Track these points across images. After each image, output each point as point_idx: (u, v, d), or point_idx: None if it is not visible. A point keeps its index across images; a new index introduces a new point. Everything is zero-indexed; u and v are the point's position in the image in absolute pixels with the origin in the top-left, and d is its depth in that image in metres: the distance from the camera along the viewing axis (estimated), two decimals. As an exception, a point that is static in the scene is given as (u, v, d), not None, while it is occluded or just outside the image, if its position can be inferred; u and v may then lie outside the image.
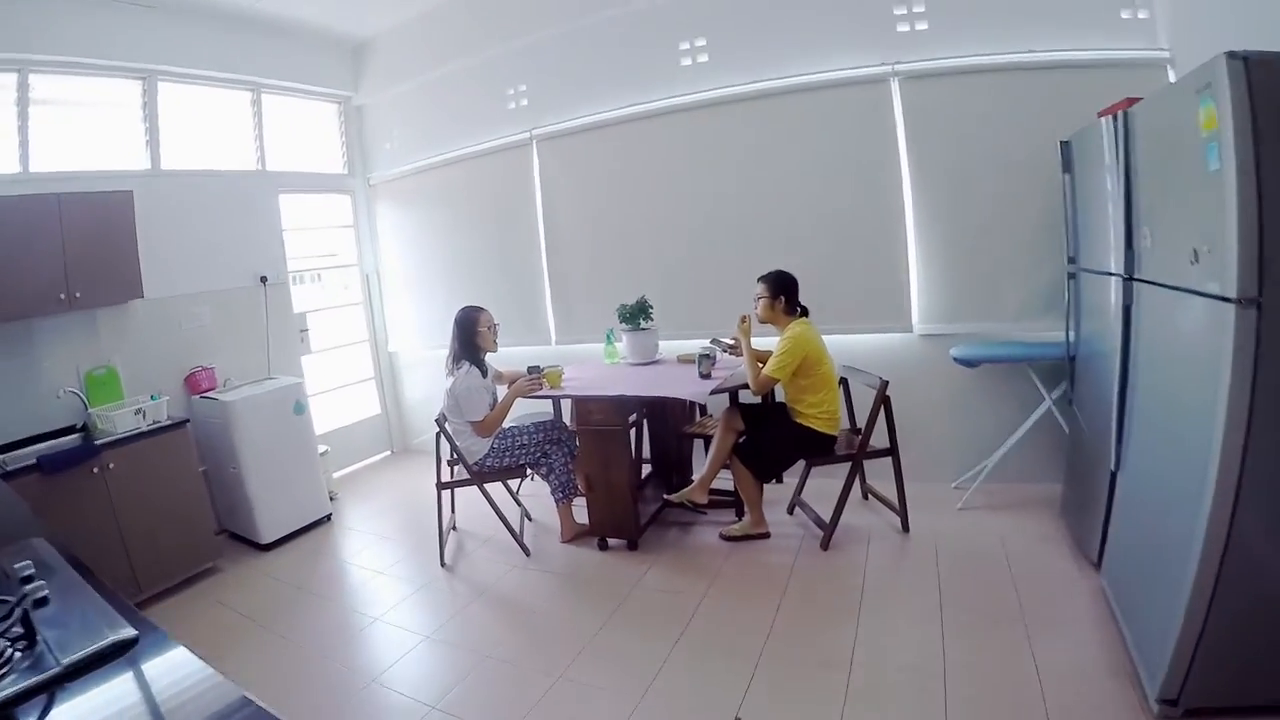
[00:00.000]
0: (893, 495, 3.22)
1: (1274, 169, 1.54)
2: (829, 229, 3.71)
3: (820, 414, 3.03)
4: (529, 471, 3.47)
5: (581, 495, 3.35)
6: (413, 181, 5.08)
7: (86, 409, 3.48)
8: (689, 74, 3.94)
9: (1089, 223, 2.68)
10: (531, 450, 3.34)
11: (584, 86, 4.25)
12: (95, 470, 3.16)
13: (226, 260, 4.31)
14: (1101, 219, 2.43)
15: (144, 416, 3.49)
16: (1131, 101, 2.31)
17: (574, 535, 3.41)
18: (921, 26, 3.40)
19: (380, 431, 5.44)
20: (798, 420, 3.08)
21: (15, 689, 0.93)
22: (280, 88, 4.71)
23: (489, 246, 4.82)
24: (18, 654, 1.01)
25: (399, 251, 5.31)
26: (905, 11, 3.41)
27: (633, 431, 3.36)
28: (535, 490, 3.88)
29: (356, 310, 5.38)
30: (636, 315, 3.69)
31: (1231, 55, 1.54)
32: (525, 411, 4.16)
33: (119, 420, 3.38)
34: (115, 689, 1.02)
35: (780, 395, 3.21)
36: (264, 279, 4.45)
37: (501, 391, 3.40)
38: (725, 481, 3.32)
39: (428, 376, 5.03)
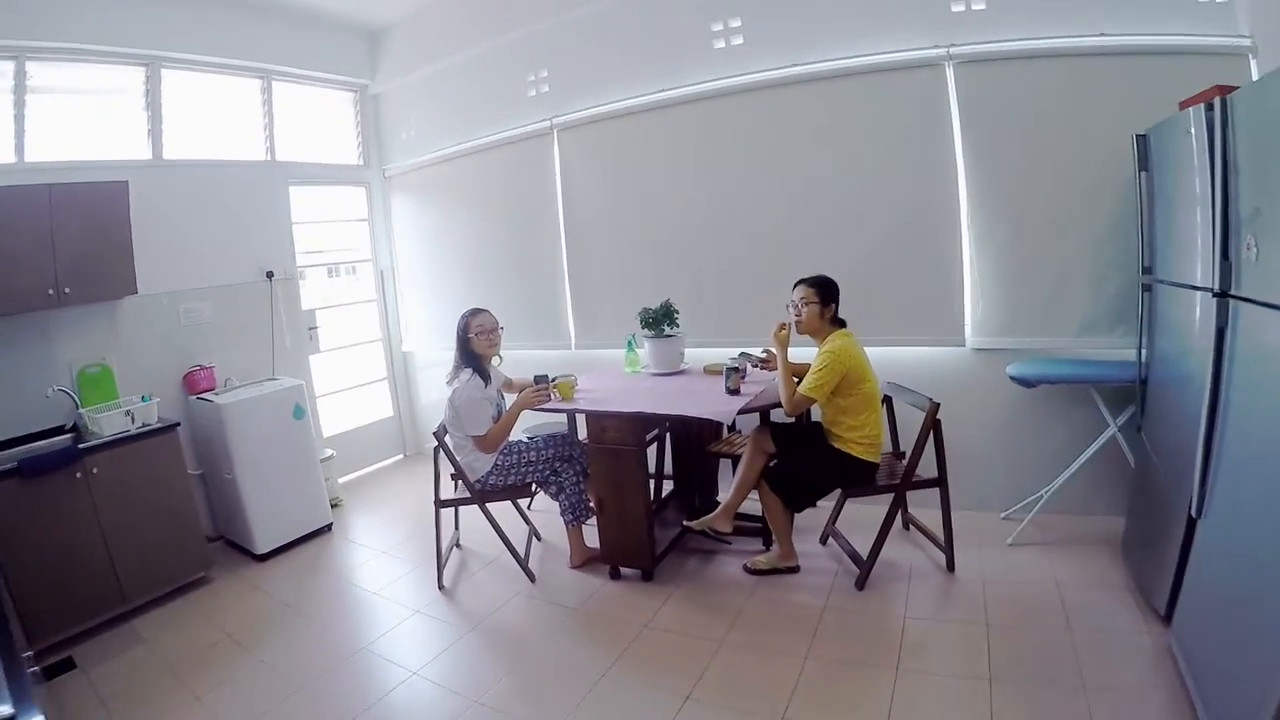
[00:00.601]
0: (936, 526, 2.89)
1: None
2: (874, 229, 3.36)
3: (861, 438, 2.70)
4: (537, 489, 3.19)
5: (594, 517, 3.05)
6: (429, 173, 4.84)
7: (78, 408, 3.31)
8: (721, 58, 3.61)
9: (1170, 228, 2.35)
10: (540, 468, 3.05)
11: (608, 71, 3.95)
12: (79, 475, 2.99)
13: (231, 254, 4.12)
14: (1187, 224, 2.12)
15: (133, 419, 3.31)
16: (1223, 90, 1.95)
17: (584, 560, 3.13)
18: (979, 5, 3.04)
19: (392, 434, 5.23)
20: (835, 445, 2.74)
21: None
22: (293, 75, 4.51)
23: (507, 242, 4.56)
24: None
25: (414, 247, 5.08)
26: (961, -14, 3.05)
27: (653, 448, 3.07)
28: (548, 505, 3.59)
29: (369, 308, 5.17)
30: (660, 321, 3.38)
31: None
32: (536, 422, 3.90)
33: (106, 422, 3.20)
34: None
35: (817, 414, 2.88)
36: (270, 274, 4.25)
37: (510, 401, 3.12)
38: (753, 504, 2.99)
39: (443, 378, 4.74)
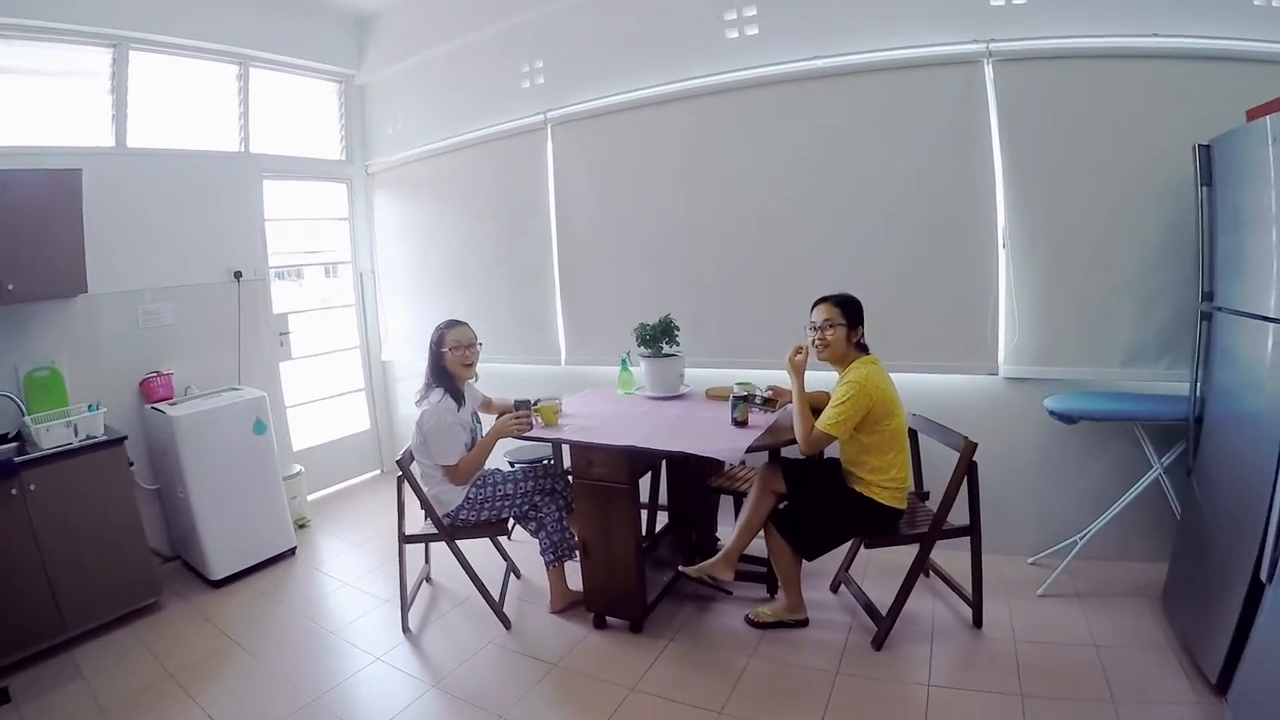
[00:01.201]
0: (961, 575, 2.58)
1: None
2: (900, 242, 3.03)
3: (886, 481, 2.36)
4: (514, 524, 2.86)
5: (577, 555, 2.71)
6: (414, 169, 4.51)
7: (23, 415, 3.00)
8: (734, 48, 3.27)
9: (1238, 250, 2.11)
10: (518, 501, 2.71)
11: (609, 62, 3.62)
12: (14, 491, 2.70)
13: (196, 252, 3.80)
14: (1259, 246, 1.93)
15: (75, 430, 2.99)
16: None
17: (566, 605, 2.79)
18: (1021, -1, 2.73)
19: (369, 449, 4.89)
20: (855, 487, 2.41)
21: None
22: (273, 62, 4.19)
23: (495, 246, 4.23)
24: None
25: (397, 249, 4.75)
26: (1003, -24, 2.74)
27: (647, 476, 2.75)
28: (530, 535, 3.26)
29: (347, 313, 4.84)
30: (659, 338, 3.03)
31: None
32: (521, 445, 3.58)
33: (44, 435, 2.88)
34: None
35: (833, 449, 2.53)
36: (238, 274, 3.93)
37: (489, 424, 2.78)
38: (758, 544, 2.64)
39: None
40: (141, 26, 3.55)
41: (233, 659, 2.70)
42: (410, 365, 4.76)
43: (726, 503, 3.08)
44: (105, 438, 3.04)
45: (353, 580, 3.33)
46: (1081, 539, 2.70)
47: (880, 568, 2.76)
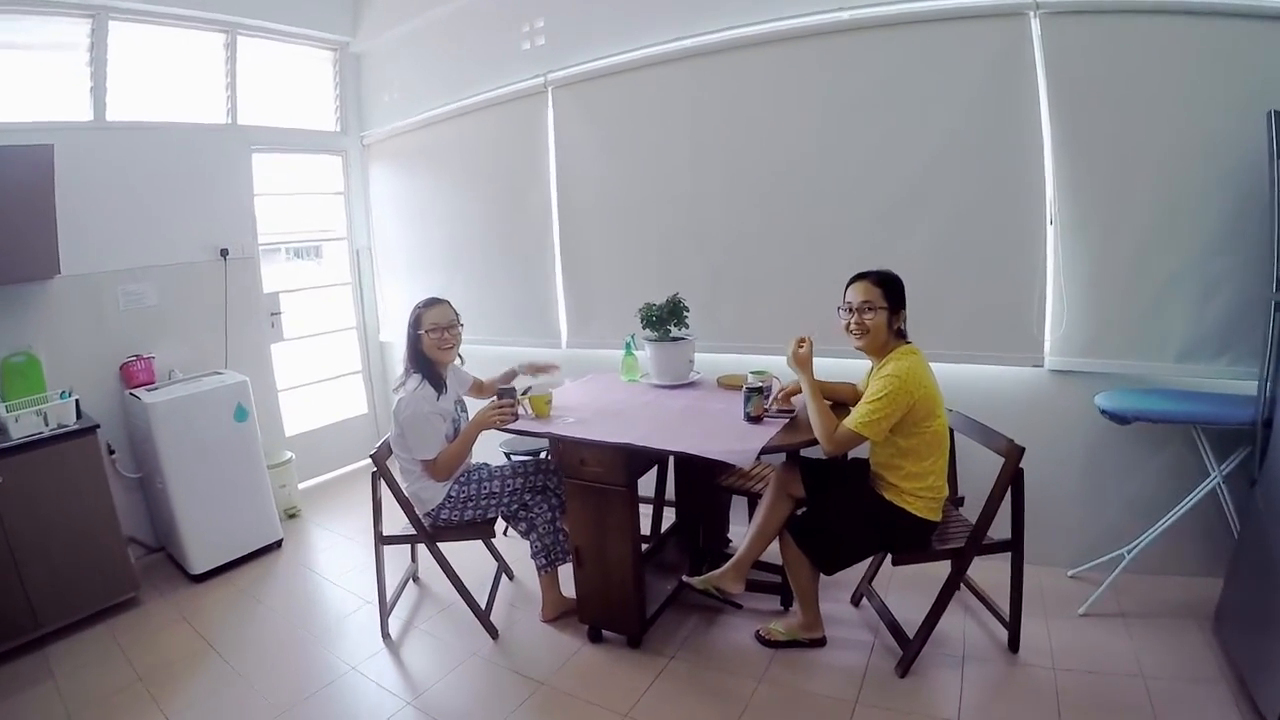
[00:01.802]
0: (995, 587, 2.30)
1: None
2: (936, 218, 2.71)
3: (922, 490, 2.06)
4: (508, 527, 2.63)
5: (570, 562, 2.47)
6: (410, 140, 4.26)
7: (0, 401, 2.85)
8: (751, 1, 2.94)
9: None
10: (506, 500, 2.47)
11: (613, 18, 3.31)
12: (-17, 483, 2.54)
13: (180, 229, 3.61)
14: None
15: (46, 419, 2.82)
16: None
17: (558, 614, 2.56)
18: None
19: (366, 434, 4.67)
20: (885, 495, 2.10)
21: None
22: (263, 30, 3.94)
23: (494, 221, 3.96)
24: None
25: (394, 225, 4.50)
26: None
27: (652, 470, 2.50)
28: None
29: (343, 292, 4.62)
30: (666, 320, 2.74)
31: None
32: (510, 437, 3.33)
33: (14, 425, 2.71)
34: None
35: (861, 448, 2.22)
36: (224, 252, 3.72)
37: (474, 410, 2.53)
38: (772, 551, 2.37)
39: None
40: (121, -8, 3.33)
41: (205, 663, 2.53)
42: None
43: (740, 501, 2.81)
44: (77, 426, 2.87)
45: (337, 577, 3.15)
46: (1129, 553, 2.43)
47: (906, 579, 2.50)
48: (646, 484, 2.77)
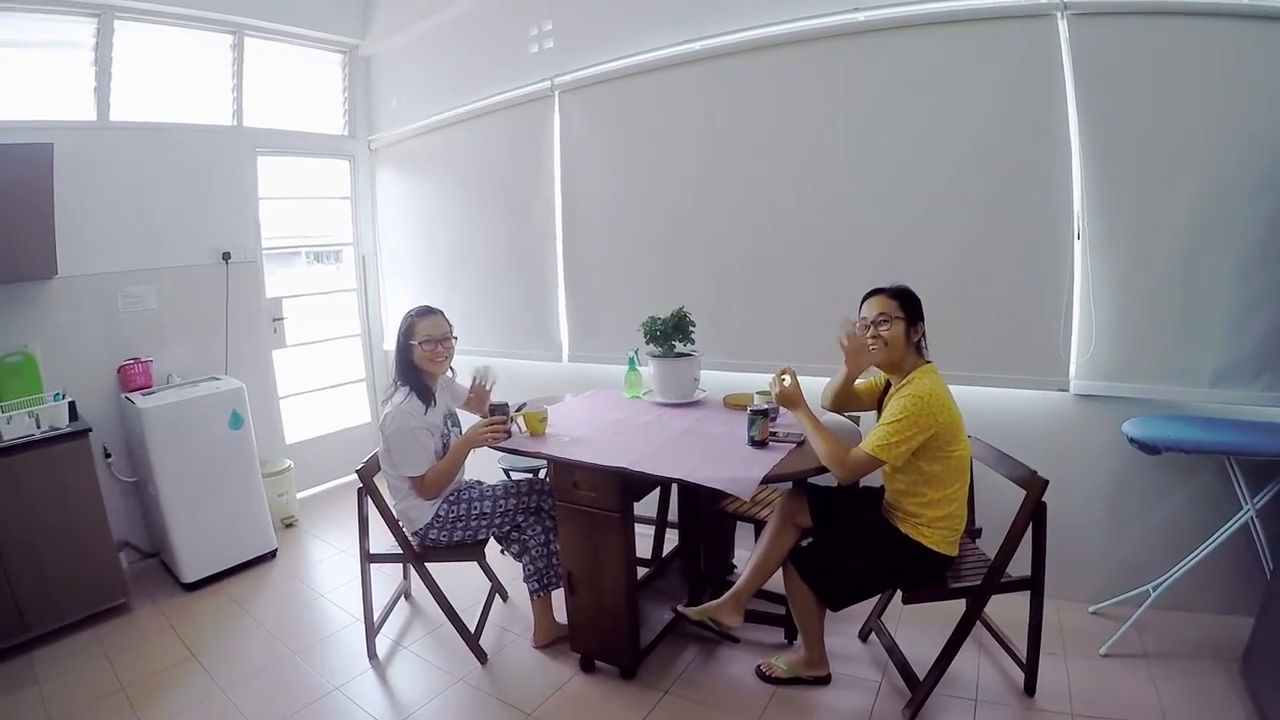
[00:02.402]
0: (1011, 624, 2.17)
1: None
2: (957, 231, 2.58)
3: (942, 521, 1.92)
4: (502, 548, 2.53)
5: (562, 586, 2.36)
6: (417, 144, 4.19)
7: (-4, 401, 2.81)
8: (762, 1, 2.82)
9: None
10: (497, 521, 2.36)
11: (622, 20, 3.22)
12: (-28, 485, 2.51)
13: (182, 231, 3.57)
14: None
15: (38, 421, 2.79)
16: None
17: (551, 640, 2.46)
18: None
19: (369, 443, 4.48)
20: (899, 526, 1.97)
21: None
22: (271, 32, 3.90)
23: (497, 229, 3.88)
24: None
25: (400, 231, 4.44)
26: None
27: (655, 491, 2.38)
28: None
29: (348, 298, 4.56)
30: (671, 335, 2.63)
31: None
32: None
33: (5, 426, 2.68)
34: None
35: (872, 476, 2.08)
36: (226, 255, 3.67)
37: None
38: (775, 580, 2.24)
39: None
40: (126, -7, 3.30)
41: (188, 675, 2.47)
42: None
43: (746, 525, 2.69)
44: (70, 429, 2.83)
45: (329, 591, 3.06)
46: (1155, 589, 2.28)
47: (919, 613, 2.34)
48: (650, 504, 2.67)
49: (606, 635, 2.24)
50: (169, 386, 3.31)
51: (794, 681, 2.19)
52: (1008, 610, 2.16)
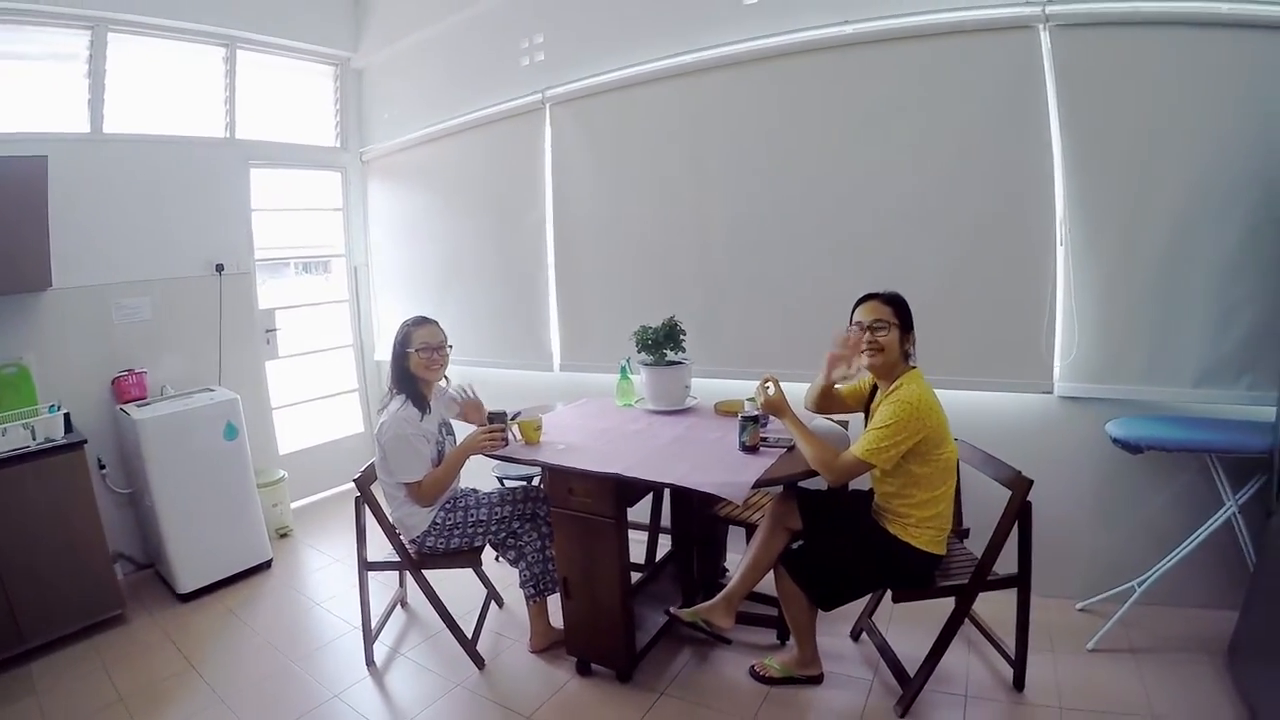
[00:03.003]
0: (999, 621, 2.22)
1: None
2: (942, 238, 2.64)
3: (930, 521, 1.97)
4: (498, 555, 2.55)
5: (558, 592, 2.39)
6: (408, 157, 4.23)
7: (-10, 413, 2.82)
8: (753, 14, 2.88)
9: None
10: (493, 528, 2.39)
11: (613, 34, 3.28)
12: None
13: (176, 243, 3.59)
14: None
15: (33, 433, 2.80)
16: None
17: (547, 644, 2.48)
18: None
19: (362, 453, 4.58)
20: (888, 527, 2.01)
21: None
22: (264, 44, 3.94)
23: (489, 240, 3.92)
24: None
25: (391, 243, 4.47)
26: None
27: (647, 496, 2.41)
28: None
29: (340, 309, 4.58)
30: (662, 343, 2.67)
31: None
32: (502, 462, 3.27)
33: (3, 436, 2.70)
34: None
35: (860, 479, 2.14)
36: (220, 267, 3.69)
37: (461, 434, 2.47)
38: (767, 583, 2.28)
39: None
40: (122, 6, 3.33)
41: (186, 685, 2.48)
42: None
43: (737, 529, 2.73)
44: (65, 441, 2.85)
45: (325, 600, 3.08)
46: (1140, 585, 2.33)
47: (909, 614, 2.39)
48: (642, 510, 2.70)
49: (602, 638, 2.27)
50: (163, 398, 3.32)
51: (787, 681, 2.23)
52: (996, 608, 2.21)
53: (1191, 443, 2.18)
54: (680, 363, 2.73)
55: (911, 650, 2.18)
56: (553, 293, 3.67)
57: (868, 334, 2.01)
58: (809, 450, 1.98)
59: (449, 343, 2.43)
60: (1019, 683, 2.14)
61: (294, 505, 3.98)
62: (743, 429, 2.19)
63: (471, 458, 2.37)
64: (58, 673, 2.60)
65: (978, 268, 2.60)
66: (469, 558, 2.41)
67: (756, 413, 2.23)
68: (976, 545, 2.06)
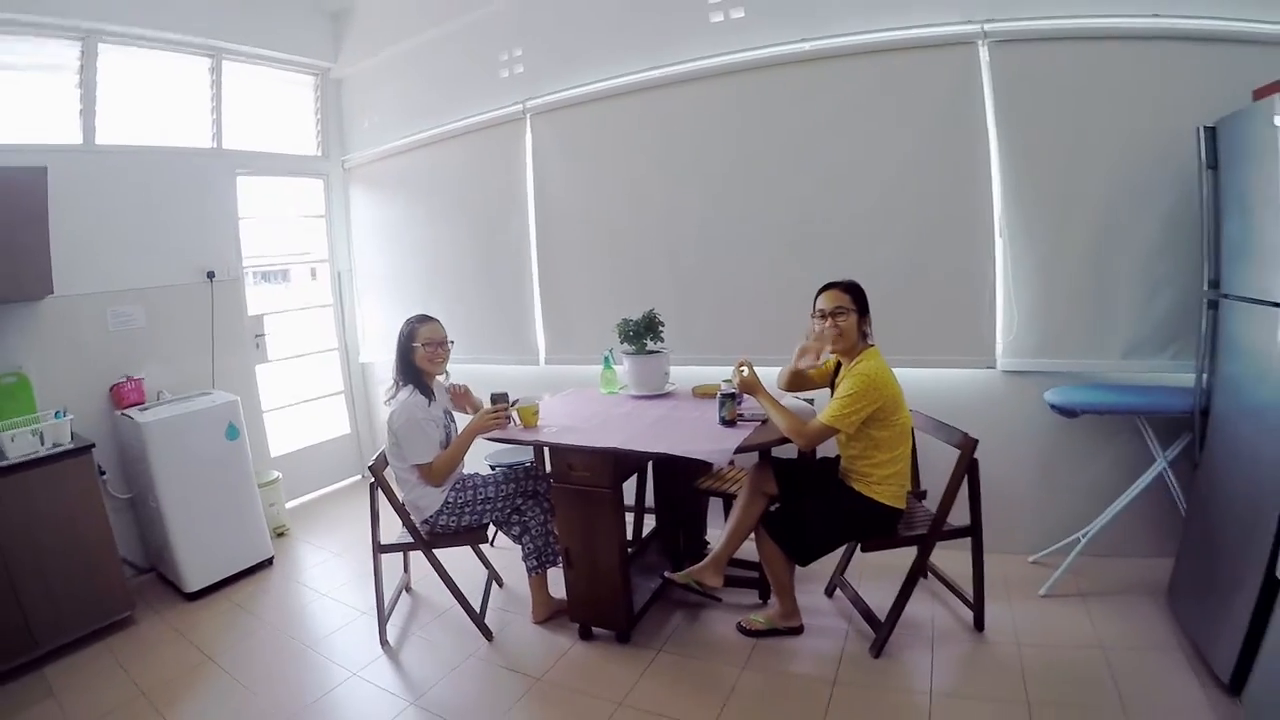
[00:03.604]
0: (961, 576, 2.49)
1: None
2: (894, 233, 2.93)
3: (890, 478, 2.25)
4: (495, 530, 2.74)
5: (561, 564, 2.59)
6: (391, 164, 4.38)
7: (-9, 423, 2.87)
8: (719, 32, 3.15)
9: (1244, 234, 2.06)
10: (499, 505, 2.59)
11: (589, 49, 3.50)
12: (-21, 504, 2.57)
13: (168, 251, 3.67)
14: (1270, 230, 1.89)
15: (42, 439, 2.87)
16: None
17: (549, 615, 2.68)
18: (1018, -23, 2.62)
19: (349, 453, 4.75)
20: (855, 486, 2.29)
21: None
22: (247, 55, 4.04)
23: (472, 244, 4.10)
24: None
25: (374, 248, 4.61)
26: (999, -46, 2.63)
27: (632, 479, 2.63)
28: (510, 542, 3.13)
29: (325, 314, 4.69)
30: (642, 334, 2.91)
31: None
32: (501, 448, 3.44)
33: (10, 445, 2.75)
34: None
35: (826, 447, 2.42)
36: (211, 274, 3.80)
37: (465, 424, 2.65)
38: (748, 548, 2.52)
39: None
40: (111, 18, 3.41)
41: (207, 675, 2.58)
42: (389, 367, 4.59)
43: (716, 505, 2.97)
44: (73, 446, 2.91)
45: (331, 591, 3.21)
46: (1084, 536, 2.62)
47: (877, 570, 2.66)
48: (627, 491, 2.91)
49: (602, 603, 2.49)
50: (161, 403, 3.41)
51: (771, 633, 2.47)
52: (955, 565, 2.50)
53: (1122, 405, 2.48)
54: (659, 351, 2.97)
55: (881, 601, 2.43)
56: (537, 292, 3.86)
57: (829, 320, 2.27)
58: (782, 421, 2.25)
59: (450, 339, 2.63)
60: (979, 624, 2.41)
61: (288, 505, 4.08)
62: (721, 405, 2.46)
63: (471, 446, 2.55)
64: (74, 674, 2.63)
65: (926, 258, 2.88)
66: (477, 535, 2.61)
67: (733, 391, 2.48)
68: (934, 505, 2.32)
